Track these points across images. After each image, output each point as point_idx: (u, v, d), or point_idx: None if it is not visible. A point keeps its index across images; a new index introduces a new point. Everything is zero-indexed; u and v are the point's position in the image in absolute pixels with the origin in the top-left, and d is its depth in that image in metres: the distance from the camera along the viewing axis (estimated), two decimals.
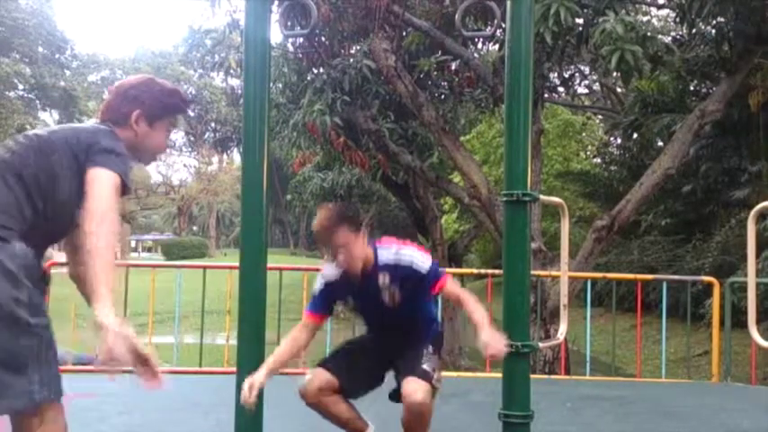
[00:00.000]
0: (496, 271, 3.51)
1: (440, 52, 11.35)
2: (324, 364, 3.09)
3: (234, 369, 3.01)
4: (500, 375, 3.13)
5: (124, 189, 2.15)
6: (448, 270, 4.41)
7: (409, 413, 2.86)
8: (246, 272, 2.97)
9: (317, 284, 3.08)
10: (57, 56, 41.52)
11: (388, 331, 3.09)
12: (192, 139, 53.88)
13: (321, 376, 3.00)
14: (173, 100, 2.38)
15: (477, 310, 2.84)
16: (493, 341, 2.67)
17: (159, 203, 58.63)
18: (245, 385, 2.72)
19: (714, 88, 12.17)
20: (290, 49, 12.19)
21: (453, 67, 12.07)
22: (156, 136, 2.36)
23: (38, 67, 37.97)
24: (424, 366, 2.92)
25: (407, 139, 12.47)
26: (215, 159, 55.34)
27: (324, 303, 3.06)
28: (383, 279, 2.93)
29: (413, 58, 11.44)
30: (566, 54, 10.21)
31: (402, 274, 2.93)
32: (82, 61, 46.38)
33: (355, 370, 3.06)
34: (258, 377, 2.74)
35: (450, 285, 3.02)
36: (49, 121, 46.62)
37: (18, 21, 35.54)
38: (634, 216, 11.80)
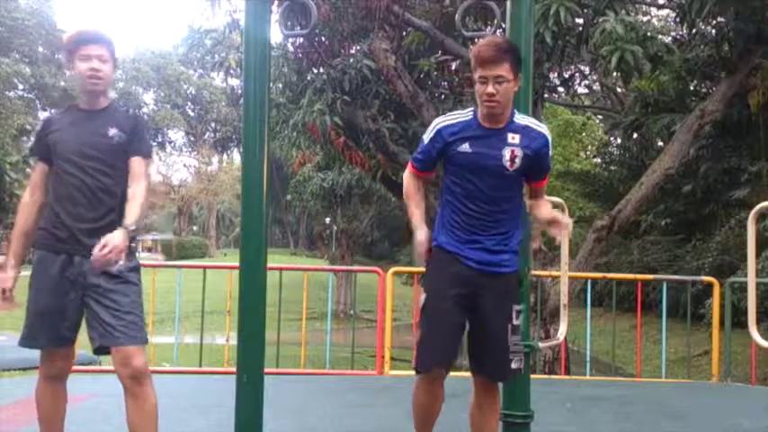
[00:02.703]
0: None
1: (440, 52, 11.35)
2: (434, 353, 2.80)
3: (234, 369, 3.01)
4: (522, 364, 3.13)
5: (33, 157, 3.02)
6: None
7: (487, 424, 2.89)
8: (246, 272, 2.97)
9: (430, 130, 2.87)
10: (57, 56, 41.47)
11: (484, 209, 2.79)
12: (192, 139, 53.90)
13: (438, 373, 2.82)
14: (66, 44, 3.01)
15: (547, 202, 3.00)
16: (563, 219, 2.82)
17: (159, 203, 58.62)
18: (421, 247, 2.81)
19: (714, 88, 12.18)
20: (290, 49, 12.18)
21: (453, 67, 12.06)
22: (76, 71, 2.95)
23: (38, 67, 37.95)
24: (513, 365, 2.82)
25: (407, 139, 12.45)
26: (215, 159, 55.36)
27: (434, 151, 2.86)
28: (512, 136, 2.79)
29: (413, 58, 11.44)
30: (566, 54, 10.21)
31: (531, 140, 2.80)
32: None
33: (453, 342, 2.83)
34: (426, 233, 2.81)
35: (544, 189, 3.00)
36: None
37: (18, 21, 35.51)
38: (634, 216, 11.80)
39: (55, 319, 2.86)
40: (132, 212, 2.83)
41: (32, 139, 3.31)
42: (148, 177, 3.02)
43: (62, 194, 2.88)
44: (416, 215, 2.90)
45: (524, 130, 2.81)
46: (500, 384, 3.02)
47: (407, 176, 2.97)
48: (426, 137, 2.88)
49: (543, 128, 2.87)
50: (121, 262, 2.75)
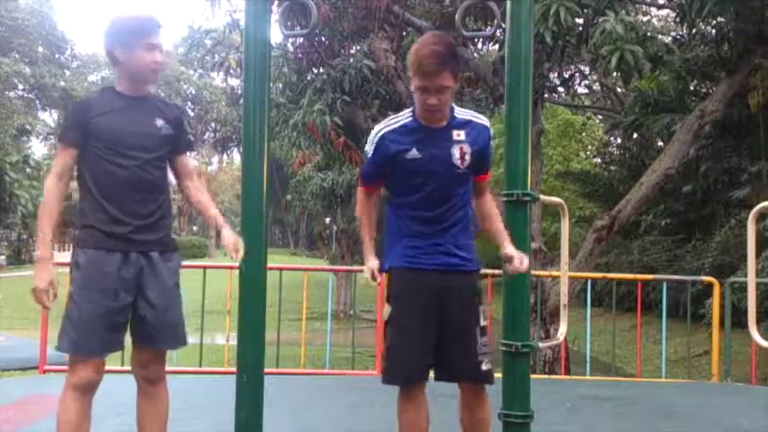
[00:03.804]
0: (496, 271, 3.51)
1: None
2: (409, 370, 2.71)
3: (234, 369, 3.01)
4: (500, 375, 3.13)
5: (65, 143, 2.77)
6: None
7: (479, 427, 2.79)
8: (246, 272, 2.97)
9: (372, 139, 2.77)
10: (57, 56, 41.55)
11: (439, 212, 2.72)
12: (192, 138, 53.87)
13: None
14: (129, 29, 2.77)
15: (501, 222, 2.89)
16: (518, 255, 2.75)
17: None
18: (368, 273, 2.73)
19: (714, 88, 12.18)
20: (290, 49, 12.19)
21: None
22: (137, 58, 2.75)
23: (38, 67, 37.99)
24: (484, 366, 2.71)
25: None
26: (215, 159, 55.39)
27: (380, 160, 2.75)
28: (458, 133, 2.71)
29: None
30: (566, 54, 10.22)
31: (475, 133, 2.74)
32: (82, 61, 46.39)
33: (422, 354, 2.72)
34: (375, 264, 2.74)
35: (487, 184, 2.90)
36: (48, 121, 46.64)
37: (18, 21, 35.55)
38: (634, 216, 11.81)
39: (113, 322, 2.70)
40: (217, 214, 2.96)
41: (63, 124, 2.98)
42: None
43: (111, 189, 2.71)
44: (367, 242, 2.87)
45: (468, 126, 2.74)
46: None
47: (360, 198, 2.91)
48: (369, 148, 2.78)
49: (483, 119, 2.81)
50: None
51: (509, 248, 2.77)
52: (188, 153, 3.04)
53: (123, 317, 2.74)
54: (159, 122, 2.81)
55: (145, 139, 2.76)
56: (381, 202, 2.95)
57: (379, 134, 2.75)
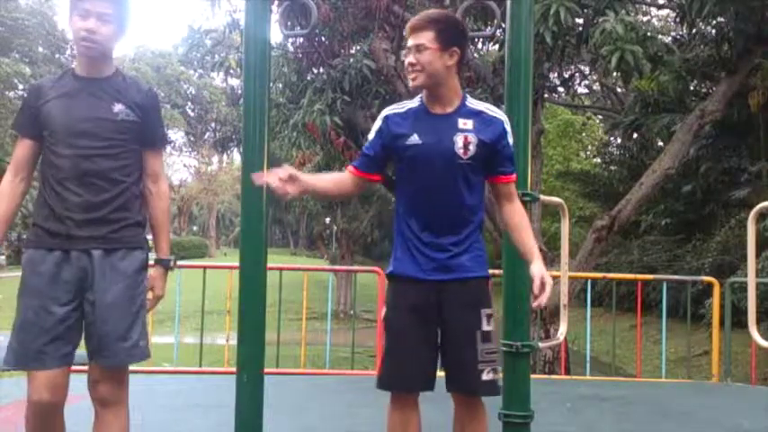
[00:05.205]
0: (496, 271, 3.49)
1: None
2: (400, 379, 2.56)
3: (234, 369, 3.01)
4: (500, 375, 3.13)
5: (18, 133, 2.53)
6: None
7: None
8: (246, 272, 2.97)
9: (377, 122, 2.65)
10: (57, 56, 41.49)
11: (438, 207, 2.54)
12: (191, 139, 53.93)
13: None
14: None
15: (532, 235, 2.63)
16: (540, 277, 2.47)
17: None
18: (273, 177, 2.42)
19: (714, 88, 12.18)
20: (290, 49, 12.19)
21: None
22: (72, 26, 2.48)
23: (38, 67, 37.94)
24: (484, 376, 2.50)
25: None
26: (215, 159, 55.37)
27: (379, 144, 2.61)
28: (464, 122, 2.54)
29: None
30: (566, 54, 10.22)
31: (486, 125, 2.55)
32: None
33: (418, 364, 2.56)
34: (283, 171, 2.41)
35: (516, 191, 2.65)
36: None
37: (18, 21, 35.52)
38: (634, 216, 11.82)
39: (56, 330, 2.39)
40: (164, 240, 2.62)
41: None
42: (165, 175, 2.69)
43: (53, 181, 2.42)
44: (312, 178, 2.63)
45: (478, 116, 2.57)
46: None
47: (343, 173, 2.69)
48: (373, 130, 2.65)
49: (499, 113, 2.61)
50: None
51: (535, 268, 2.52)
52: (158, 149, 2.64)
53: (69, 324, 2.42)
54: (117, 107, 2.47)
55: (94, 125, 2.43)
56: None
57: (384, 114, 2.65)
